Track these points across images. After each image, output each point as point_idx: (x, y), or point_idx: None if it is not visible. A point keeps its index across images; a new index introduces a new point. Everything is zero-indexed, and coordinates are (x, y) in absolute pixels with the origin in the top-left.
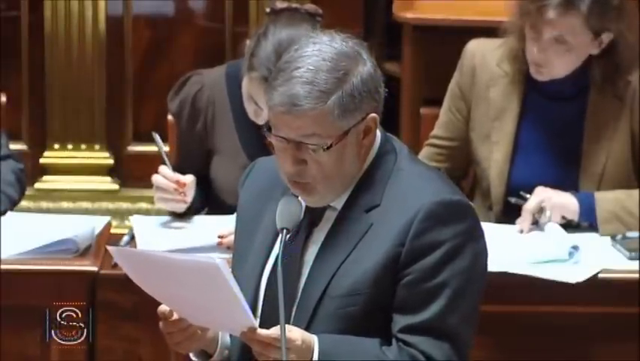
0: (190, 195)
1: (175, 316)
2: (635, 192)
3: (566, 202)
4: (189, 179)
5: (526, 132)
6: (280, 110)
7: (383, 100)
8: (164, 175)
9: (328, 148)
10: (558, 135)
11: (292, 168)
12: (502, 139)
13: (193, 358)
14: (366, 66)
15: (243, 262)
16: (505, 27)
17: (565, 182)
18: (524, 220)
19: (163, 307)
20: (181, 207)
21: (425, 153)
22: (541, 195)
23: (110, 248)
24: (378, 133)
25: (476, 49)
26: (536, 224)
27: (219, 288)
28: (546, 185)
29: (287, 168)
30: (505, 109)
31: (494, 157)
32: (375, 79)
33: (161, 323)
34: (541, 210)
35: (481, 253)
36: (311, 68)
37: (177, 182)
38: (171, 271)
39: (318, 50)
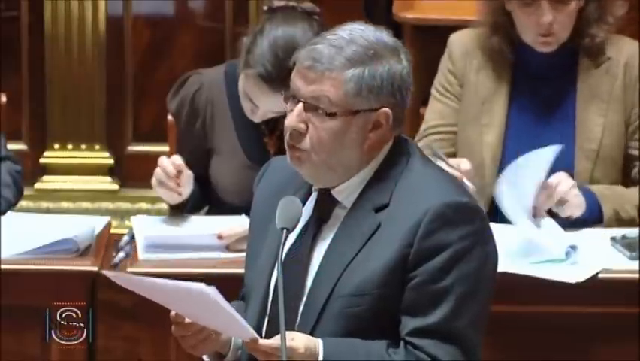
0: (186, 190)
1: (187, 319)
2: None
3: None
4: (188, 173)
5: (517, 115)
6: (302, 64)
7: (405, 105)
8: (173, 161)
9: (331, 115)
10: (549, 115)
11: (294, 124)
12: (492, 122)
13: (206, 359)
14: (400, 64)
15: (255, 260)
16: (477, 23)
17: (561, 161)
18: (546, 200)
19: (175, 313)
20: (174, 198)
21: (428, 142)
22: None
23: (107, 273)
24: (392, 133)
25: (462, 37)
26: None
27: (215, 310)
28: None
29: (289, 123)
30: (494, 92)
31: (486, 140)
32: (404, 81)
33: (173, 327)
34: (561, 201)
35: (490, 256)
36: (345, 37)
37: (179, 172)
38: (168, 295)
39: (362, 30)
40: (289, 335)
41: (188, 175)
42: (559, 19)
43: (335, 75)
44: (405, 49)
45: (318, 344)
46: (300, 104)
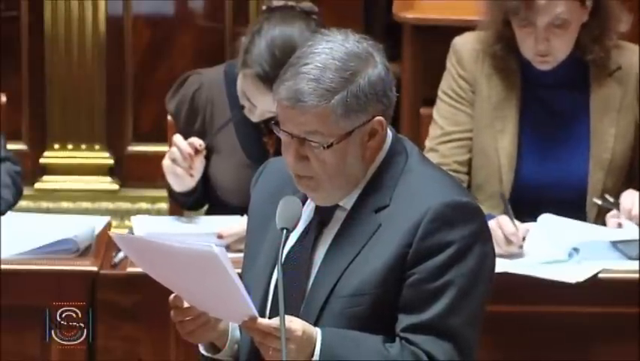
0: (197, 172)
1: (186, 304)
2: None
3: None
4: (201, 158)
5: (530, 121)
6: (285, 104)
7: (393, 104)
8: (191, 141)
9: (329, 147)
10: (562, 123)
11: (295, 162)
12: (506, 128)
13: (202, 351)
14: (376, 68)
15: (253, 262)
16: (481, 27)
17: (574, 170)
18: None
19: (173, 296)
20: (184, 182)
21: (445, 150)
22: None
23: (112, 235)
24: (390, 134)
25: (469, 41)
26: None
27: (219, 277)
28: (555, 174)
29: (290, 162)
30: (505, 98)
31: (501, 145)
32: (386, 82)
33: (172, 312)
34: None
35: (488, 256)
36: (319, 65)
37: (196, 151)
38: (172, 260)
39: (330, 49)
40: (288, 317)
41: (201, 160)
42: (556, 42)
43: (321, 110)
44: (377, 45)
45: (316, 331)
46: (295, 144)
